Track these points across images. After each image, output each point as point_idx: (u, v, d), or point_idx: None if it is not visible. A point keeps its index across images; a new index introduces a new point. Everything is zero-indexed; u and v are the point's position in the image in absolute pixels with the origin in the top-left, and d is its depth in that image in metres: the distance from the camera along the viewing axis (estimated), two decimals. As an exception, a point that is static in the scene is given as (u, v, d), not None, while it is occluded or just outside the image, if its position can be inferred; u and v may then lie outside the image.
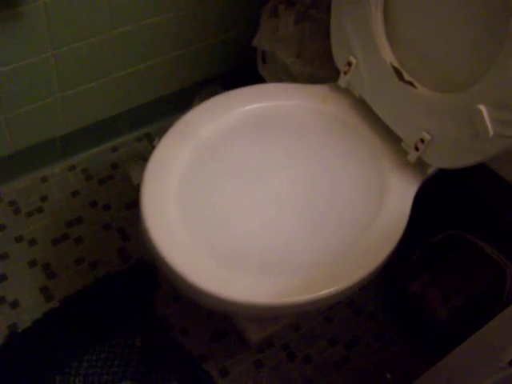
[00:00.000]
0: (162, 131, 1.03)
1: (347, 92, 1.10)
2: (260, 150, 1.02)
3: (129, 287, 1.30)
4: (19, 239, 1.34)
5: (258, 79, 1.42)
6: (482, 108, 0.84)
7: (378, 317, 1.32)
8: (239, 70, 1.52)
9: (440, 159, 0.97)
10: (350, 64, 1.05)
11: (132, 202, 1.42)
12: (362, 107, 1.08)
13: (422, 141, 0.97)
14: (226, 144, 1.01)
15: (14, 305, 1.26)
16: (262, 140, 1.04)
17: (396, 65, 0.97)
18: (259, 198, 0.96)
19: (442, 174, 1.04)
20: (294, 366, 1.25)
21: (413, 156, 1.00)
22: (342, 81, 1.09)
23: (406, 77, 0.96)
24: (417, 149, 0.98)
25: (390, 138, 1.04)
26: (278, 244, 0.92)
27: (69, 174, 1.45)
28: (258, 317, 1.05)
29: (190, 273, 0.86)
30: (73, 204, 1.41)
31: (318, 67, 1.28)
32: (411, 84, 0.96)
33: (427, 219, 1.34)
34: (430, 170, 1.03)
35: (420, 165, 1.02)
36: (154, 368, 1.21)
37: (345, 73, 1.07)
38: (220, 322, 1.27)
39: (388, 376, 1.25)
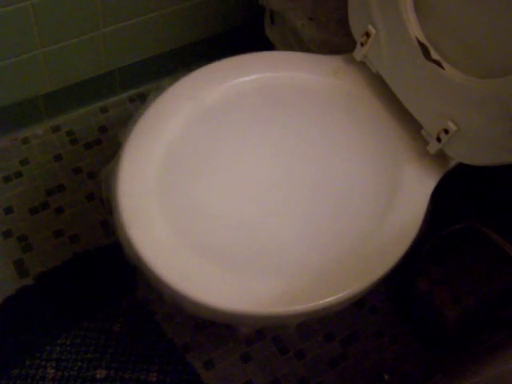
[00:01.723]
0: (156, 92, 0.90)
1: (363, 66, 0.96)
2: (260, 129, 0.90)
3: (110, 266, 1.19)
4: (-6, 206, 1.23)
5: (265, 41, 1.28)
6: (523, 100, 0.71)
7: (381, 312, 1.21)
8: (244, 29, 1.37)
9: (465, 154, 0.84)
10: (368, 34, 0.91)
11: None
12: (380, 85, 0.94)
13: (446, 131, 0.83)
14: (220, 120, 0.88)
15: (-16, 279, 1.15)
16: (263, 117, 0.91)
17: (423, 40, 0.83)
18: (254, 188, 0.84)
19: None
20: (284, 361, 1.15)
21: (433, 147, 0.87)
22: (358, 53, 0.95)
23: (434, 55, 0.82)
24: (439, 139, 0.85)
25: (409, 123, 0.91)
26: (274, 242, 0.81)
27: (52, 136, 1.33)
28: (247, 325, 0.94)
29: (167, 273, 0.75)
30: (55, 169, 1.29)
31: (333, 33, 1.14)
32: (439, 64, 0.82)
33: (442, 207, 1.21)
34: (452, 163, 0.90)
35: (441, 157, 0.89)
36: (132, 357, 1.11)
37: (362, 44, 0.93)
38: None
39: (386, 377, 1.16)
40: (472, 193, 1.29)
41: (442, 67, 0.82)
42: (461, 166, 0.92)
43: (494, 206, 1.24)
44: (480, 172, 1.21)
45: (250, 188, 0.84)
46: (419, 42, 0.83)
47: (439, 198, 0.90)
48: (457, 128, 0.82)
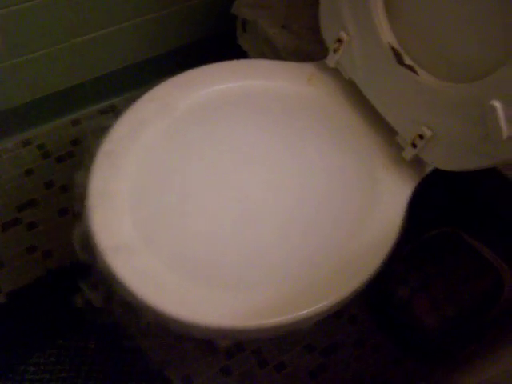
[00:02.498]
0: (128, 103, 0.88)
1: (336, 73, 0.95)
2: (233, 137, 0.88)
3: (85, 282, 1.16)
4: (-37, 223, 1.20)
5: (237, 50, 1.27)
6: (496, 104, 0.70)
7: (360, 321, 1.20)
8: (216, 38, 1.36)
9: (440, 159, 0.83)
10: (340, 41, 0.90)
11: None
12: (353, 92, 0.93)
13: (421, 137, 0.83)
14: (193, 129, 0.86)
15: (-46, 298, 1.11)
16: (236, 125, 0.89)
17: (395, 45, 0.83)
18: (228, 197, 0.82)
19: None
20: (264, 373, 1.13)
21: (409, 153, 0.86)
22: (331, 60, 0.94)
23: (407, 60, 0.82)
24: (414, 145, 0.84)
25: (384, 130, 0.90)
26: (249, 254, 0.78)
27: (23, 150, 1.30)
28: (224, 339, 0.92)
29: (141, 288, 0.72)
30: (26, 184, 1.26)
31: (306, 40, 1.13)
32: (412, 69, 0.81)
33: (420, 212, 1.20)
34: (429, 169, 0.89)
35: (417, 163, 0.88)
36: (108, 374, 1.08)
37: (334, 51, 0.92)
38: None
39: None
40: (451, 198, 1.28)
41: (416, 72, 0.81)
42: (438, 172, 0.91)
43: (473, 211, 1.24)
44: (458, 177, 1.21)
45: (224, 197, 0.82)
46: (392, 47, 0.83)
47: (417, 204, 0.90)
48: (432, 133, 0.81)
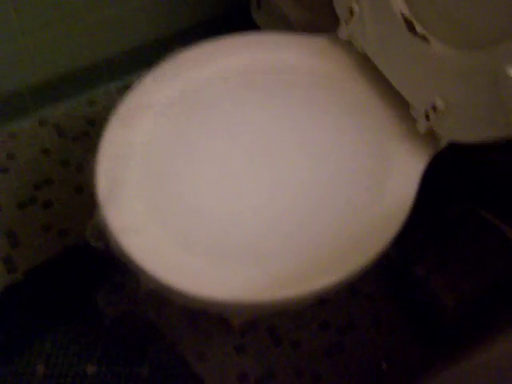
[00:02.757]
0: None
1: (349, 45, 0.93)
2: (241, 114, 0.86)
3: (101, 259, 1.16)
4: (-19, 202, 1.21)
5: (252, 27, 1.25)
6: (510, 70, 0.68)
7: (377, 300, 1.19)
8: (231, 15, 1.34)
9: (455, 131, 0.81)
10: (352, 12, 0.88)
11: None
12: (365, 64, 0.91)
13: (435, 108, 0.80)
14: (202, 105, 0.85)
15: (-28, 276, 1.12)
16: (245, 100, 0.88)
17: (407, 15, 0.80)
18: (237, 175, 0.81)
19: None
20: (279, 352, 1.12)
21: (423, 126, 0.84)
22: (343, 31, 0.92)
23: (419, 29, 0.79)
24: (428, 117, 0.82)
25: (397, 102, 0.88)
26: (254, 223, 0.77)
27: (40, 129, 1.30)
28: (225, 313, 0.91)
29: (151, 263, 0.72)
30: (43, 163, 1.27)
31: (319, 14, 1.11)
32: (424, 38, 0.79)
33: (439, 190, 1.18)
34: (443, 142, 0.87)
35: (431, 136, 0.86)
36: (123, 351, 1.09)
37: (346, 22, 0.90)
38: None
39: (384, 366, 1.13)
40: (471, 176, 1.25)
41: (428, 41, 0.79)
42: (458, 147, 0.89)
43: (494, 189, 1.21)
44: (479, 155, 1.18)
45: (233, 175, 0.81)
46: (404, 16, 0.80)
47: (437, 182, 0.88)
48: (445, 104, 0.79)
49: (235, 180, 0.80)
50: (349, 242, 0.77)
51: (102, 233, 0.78)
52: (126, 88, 1.34)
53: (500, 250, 1.12)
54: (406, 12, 0.81)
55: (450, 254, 1.13)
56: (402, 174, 0.83)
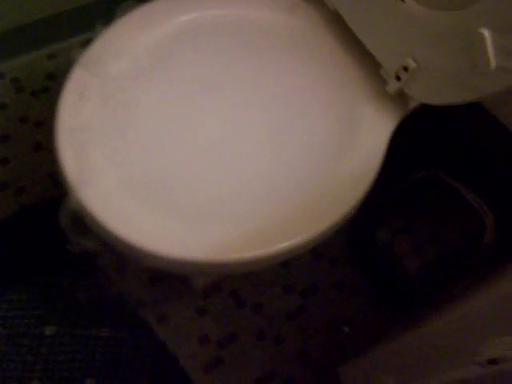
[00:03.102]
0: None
1: (320, 2, 0.90)
2: (204, 72, 0.83)
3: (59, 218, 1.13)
4: None
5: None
6: (485, 32, 0.66)
7: (340, 263, 1.18)
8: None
9: (425, 93, 0.80)
10: (325, -33, 0.85)
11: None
12: (336, 22, 0.89)
13: (406, 69, 0.79)
14: (161, 64, 0.82)
15: None
16: (208, 57, 0.85)
17: (381, -29, 0.78)
18: (204, 133, 0.79)
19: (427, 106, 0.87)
20: (242, 314, 1.12)
21: (392, 86, 0.82)
22: (315, -12, 0.89)
23: (393, -13, 0.77)
24: (398, 78, 0.81)
25: (367, 62, 0.86)
26: (222, 182, 0.75)
27: (-4, 83, 1.25)
28: (194, 273, 0.90)
29: (107, 216, 0.69)
30: (-1, 119, 1.22)
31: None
32: (398, -4, 0.77)
33: (403, 154, 1.17)
34: (413, 104, 0.85)
35: (401, 97, 0.84)
36: (82, 312, 1.06)
37: (318, -22, 0.87)
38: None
39: (345, 329, 1.14)
40: (433, 141, 1.25)
41: (403, 0, 0.76)
42: (424, 112, 0.88)
43: (458, 154, 1.21)
44: (441, 119, 1.18)
45: (200, 133, 0.79)
46: (378, -28, 0.78)
47: (400, 147, 0.87)
48: (417, 65, 0.77)
49: (204, 137, 0.78)
50: (317, 203, 0.76)
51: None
52: (87, 42, 1.30)
53: (462, 214, 1.13)
54: (380, -32, 0.78)
55: (413, 218, 1.14)
56: (370, 135, 0.82)
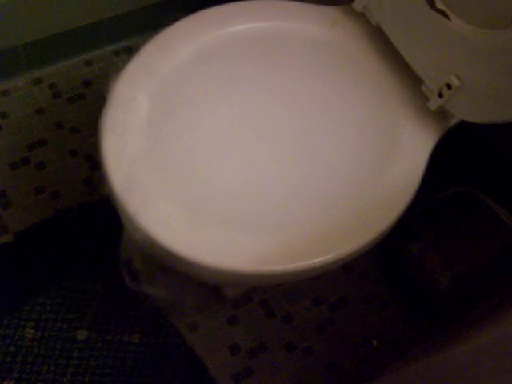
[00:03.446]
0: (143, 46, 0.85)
1: (362, 18, 0.91)
2: (248, 83, 0.84)
3: (93, 224, 1.15)
4: (-28, 160, 1.17)
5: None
6: (533, 52, 0.67)
7: (370, 277, 1.19)
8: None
9: (467, 110, 0.80)
10: (369, -17, 0.86)
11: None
12: (379, 38, 0.89)
13: (449, 86, 0.79)
14: (207, 72, 0.83)
15: (-40, 236, 1.10)
16: (252, 70, 0.85)
17: (427, -12, 0.79)
18: (247, 144, 0.79)
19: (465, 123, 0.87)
20: (272, 325, 1.12)
21: (434, 103, 0.83)
22: (358, 3, 0.90)
23: (439, 4, 0.78)
24: (441, 95, 0.81)
25: (409, 78, 0.86)
26: (266, 197, 0.76)
27: (34, 88, 1.27)
28: (230, 284, 0.90)
29: (148, 222, 0.70)
30: (36, 124, 1.23)
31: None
32: (444, 14, 0.77)
33: (436, 169, 1.17)
34: (453, 121, 0.86)
35: (441, 114, 0.85)
36: (114, 318, 1.07)
37: (362, -6, 0.88)
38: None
39: (374, 343, 1.14)
40: (467, 157, 1.25)
41: (448, 17, 0.77)
42: (459, 129, 0.88)
43: (489, 171, 1.21)
44: (479, 136, 1.18)
45: (243, 144, 0.79)
46: (424, -10, 0.78)
47: (434, 161, 0.87)
48: (460, 83, 0.78)
49: (245, 151, 0.79)
50: (355, 218, 0.77)
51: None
52: (124, 50, 1.33)
53: (494, 231, 1.13)
54: (426, -14, 0.79)
55: (445, 233, 1.13)
56: (411, 151, 0.82)
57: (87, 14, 1.23)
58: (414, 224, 1.15)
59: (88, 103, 1.27)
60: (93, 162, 1.20)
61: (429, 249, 1.12)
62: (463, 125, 0.86)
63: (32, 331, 1.05)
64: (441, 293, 1.10)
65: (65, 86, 1.28)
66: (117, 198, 0.71)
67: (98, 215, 1.15)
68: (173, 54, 0.84)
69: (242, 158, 0.78)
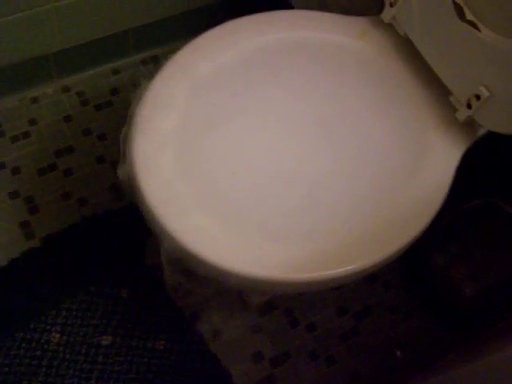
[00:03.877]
0: (171, 55, 0.85)
1: (391, 28, 0.91)
2: (280, 91, 0.85)
3: (119, 230, 1.16)
4: (1, 166, 1.19)
5: (286, 5, 1.23)
6: None
7: (395, 287, 1.18)
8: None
9: (496, 122, 0.80)
10: (398, -6, 0.86)
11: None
12: (407, 49, 0.90)
13: (478, 97, 0.79)
14: (237, 80, 0.84)
15: (-11, 241, 1.12)
16: (284, 78, 0.86)
17: (457, 0, 0.79)
18: (275, 149, 0.80)
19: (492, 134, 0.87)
20: (295, 333, 1.12)
21: (463, 114, 0.83)
22: (387, 14, 0.90)
23: (469, 15, 0.78)
24: (469, 106, 0.81)
25: (437, 89, 0.86)
26: (294, 207, 0.76)
27: (62, 96, 1.29)
28: (260, 291, 0.90)
29: (182, 234, 0.71)
30: (64, 131, 1.25)
31: (357, -4, 1.09)
32: (473, 25, 0.77)
33: (462, 180, 1.17)
34: (481, 132, 0.86)
35: (469, 125, 0.85)
36: (139, 324, 1.08)
37: (391, 4, 0.88)
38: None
39: (398, 353, 1.13)
40: (494, 168, 1.24)
41: (478, 29, 0.77)
42: (486, 140, 0.88)
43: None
44: (503, 147, 1.17)
45: (271, 149, 0.80)
46: (453, 1, 0.79)
47: (460, 172, 0.87)
48: (489, 94, 0.78)
49: (273, 156, 0.79)
50: (382, 228, 0.77)
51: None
52: (151, 59, 1.34)
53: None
54: (456, -3, 0.79)
55: (470, 244, 1.13)
56: (438, 162, 0.82)
57: (115, 23, 1.24)
58: (439, 235, 1.15)
59: (115, 111, 1.29)
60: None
61: (454, 260, 1.12)
62: (491, 135, 0.86)
63: (58, 336, 1.06)
64: (466, 304, 1.09)
65: (92, 94, 1.30)
66: (152, 211, 0.71)
67: (124, 221, 1.16)
68: (210, 58, 0.84)
69: (272, 166, 0.78)
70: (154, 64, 1.35)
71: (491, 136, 0.87)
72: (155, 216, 0.71)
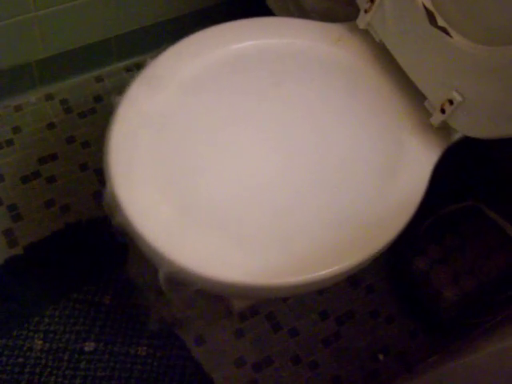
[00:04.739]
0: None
1: (366, 34, 0.92)
2: (256, 97, 0.86)
3: (102, 238, 1.16)
4: (-16, 174, 1.20)
5: (266, 11, 1.24)
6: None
7: (377, 291, 1.19)
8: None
9: (469, 126, 0.81)
10: (372, 0, 0.87)
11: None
12: (382, 54, 0.91)
13: (451, 102, 0.80)
14: (215, 87, 0.85)
15: (-28, 248, 1.12)
16: (259, 84, 0.87)
17: (429, 6, 0.80)
18: (253, 155, 0.81)
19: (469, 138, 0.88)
20: (278, 338, 1.12)
21: (437, 119, 0.84)
22: (362, 20, 0.91)
23: (440, 22, 0.79)
24: (443, 111, 0.82)
25: (412, 94, 0.87)
26: (273, 211, 0.77)
27: (46, 103, 1.29)
28: (243, 297, 0.91)
29: (157, 238, 0.71)
30: (48, 138, 1.26)
31: (336, 2, 1.10)
32: (445, 31, 0.78)
33: (442, 184, 1.18)
34: (456, 136, 0.87)
35: (444, 129, 0.85)
36: (121, 330, 1.09)
37: (366, 11, 0.89)
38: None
39: (380, 357, 1.13)
40: (473, 172, 1.25)
41: (449, 35, 0.78)
42: (463, 144, 0.89)
43: (497, 185, 1.22)
44: (482, 151, 1.18)
45: (249, 156, 0.81)
46: (425, 7, 0.80)
47: (440, 176, 0.88)
48: (462, 99, 0.79)
49: (252, 162, 0.80)
50: (358, 232, 0.77)
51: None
52: (134, 66, 1.35)
53: (500, 245, 1.13)
54: (428, 3, 0.80)
55: (451, 248, 1.14)
56: (414, 166, 0.83)
57: (98, 31, 1.25)
58: (421, 239, 1.16)
59: (99, 118, 1.29)
60: (103, 176, 1.22)
61: (435, 263, 1.12)
62: (468, 139, 0.87)
63: (40, 342, 1.06)
64: (447, 307, 1.10)
65: (76, 102, 1.30)
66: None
67: (107, 229, 1.16)
68: (184, 67, 0.85)
69: (248, 174, 0.79)
70: (138, 71, 1.35)
71: (470, 140, 0.88)
72: (128, 219, 0.72)
